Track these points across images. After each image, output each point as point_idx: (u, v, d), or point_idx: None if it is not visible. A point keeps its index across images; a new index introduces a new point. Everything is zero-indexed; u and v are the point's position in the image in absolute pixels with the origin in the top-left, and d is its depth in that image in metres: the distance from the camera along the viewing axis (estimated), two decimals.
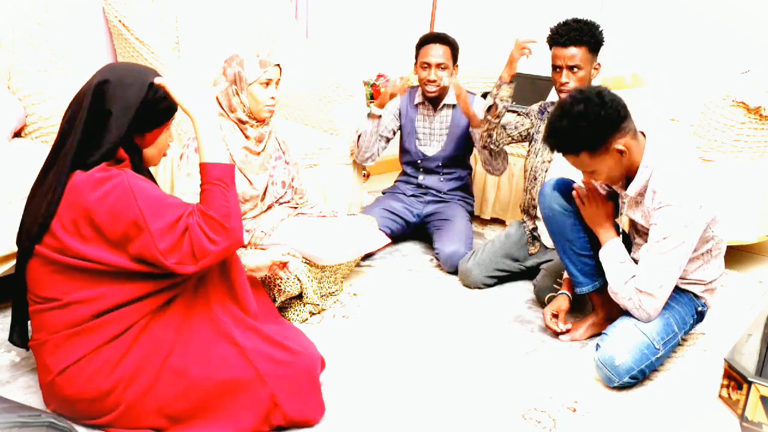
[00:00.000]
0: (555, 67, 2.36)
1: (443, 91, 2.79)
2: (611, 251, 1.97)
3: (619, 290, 1.92)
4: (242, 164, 2.18)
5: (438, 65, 2.72)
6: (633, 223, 2.09)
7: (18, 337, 1.63)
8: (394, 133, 2.95)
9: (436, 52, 2.72)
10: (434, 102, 2.84)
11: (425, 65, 2.74)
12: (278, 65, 2.15)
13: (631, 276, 1.91)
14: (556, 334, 2.16)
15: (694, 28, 3.48)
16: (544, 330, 2.23)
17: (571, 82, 2.33)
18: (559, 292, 2.24)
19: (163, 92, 1.50)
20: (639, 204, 1.94)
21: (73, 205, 1.43)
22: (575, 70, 2.32)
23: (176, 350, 1.51)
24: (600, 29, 2.34)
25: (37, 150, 2.24)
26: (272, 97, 2.15)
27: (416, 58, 2.80)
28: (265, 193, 2.25)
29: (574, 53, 2.30)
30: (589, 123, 1.77)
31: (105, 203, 1.41)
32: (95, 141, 1.45)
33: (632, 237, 2.13)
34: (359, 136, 2.82)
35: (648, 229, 1.97)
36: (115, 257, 1.44)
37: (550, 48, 2.37)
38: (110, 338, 1.48)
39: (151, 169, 1.68)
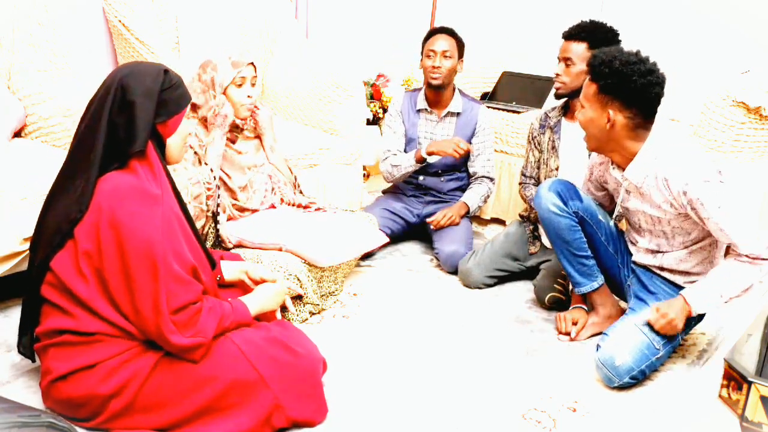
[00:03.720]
0: (557, 60, 2.39)
1: (447, 81, 2.74)
2: (702, 292, 1.90)
3: (747, 281, 1.84)
4: (227, 162, 2.25)
5: (443, 53, 2.71)
6: (632, 223, 2.08)
7: (26, 348, 1.62)
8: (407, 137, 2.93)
9: (443, 42, 2.73)
10: (438, 103, 2.82)
11: (431, 53, 2.73)
12: (252, 63, 2.18)
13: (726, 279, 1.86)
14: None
15: (694, 28, 3.48)
16: (543, 330, 2.23)
17: (562, 75, 2.35)
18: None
19: (175, 78, 1.55)
20: (644, 195, 1.93)
21: (100, 211, 1.43)
22: (569, 63, 2.33)
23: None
24: (608, 33, 2.32)
25: (37, 150, 2.24)
26: (248, 96, 2.20)
27: (422, 52, 2.79)
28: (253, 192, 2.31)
29: (570, 47, 2.32)
30: (623, 70, 1.79)
31: (134, 229, 1.42)
32: (126, 135, 1.46)
33: (632, 240, 2.12)
34: (394, 166, 2.80)
35: (654, 221, 1.96)
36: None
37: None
38: (120, 351, 1.49)
39: None
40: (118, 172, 1.47)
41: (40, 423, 1.15)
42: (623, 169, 1.95)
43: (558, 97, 2.43)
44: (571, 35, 2.33)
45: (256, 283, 1.79)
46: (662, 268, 2.04)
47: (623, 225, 2.24)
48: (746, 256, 1.82)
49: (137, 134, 1.46)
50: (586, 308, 2.22)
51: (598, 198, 2.18)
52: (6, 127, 2.25)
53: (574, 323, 2.17)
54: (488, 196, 2.89)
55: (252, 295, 1.71)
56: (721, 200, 1.78)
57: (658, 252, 2.03)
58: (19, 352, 1.64)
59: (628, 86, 1.80)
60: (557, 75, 2.37)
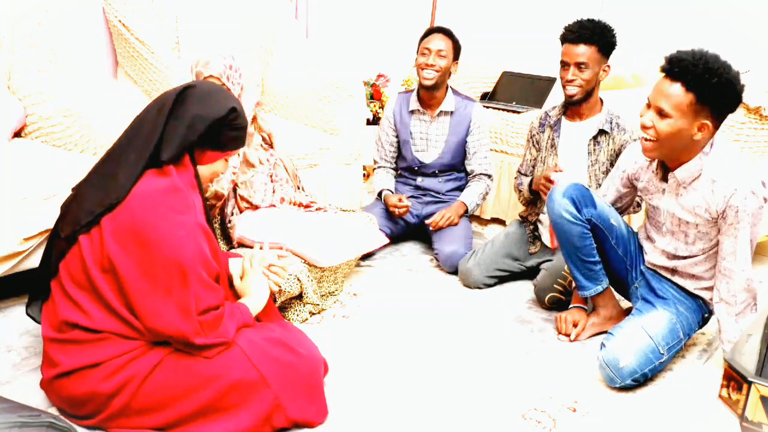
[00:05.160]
0: (563, 64, 2.35)
1: (440, 81, 2.74)
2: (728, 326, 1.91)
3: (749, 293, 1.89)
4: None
5: (438, 52, 2.71)
6: (654, 222, 2.05)
7: (34, 312, 1.64)
8: (398, 144, 2.94)
9: (438, 41, 2.72)
10: (430, 103, 2.82)
11: (425, 51, 2.73)
12: (213, 76, 2.09)
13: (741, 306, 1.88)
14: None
15: (694, 28, 3.48)
16: (543, 330, 2.23)
17: (577, 79, 2.31)
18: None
19: (240, 122, 1.56)
20: (680, 195, 1.90)
21: (133, 215, 1.43)
22: (582, 67, 2.30)
23: (181, 350, 1.51)
24: (613, 32, 2.31)
25: (37, 150, 2.24)
26: None
27: (417, 51, 2.78)
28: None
29: (583, 51, 2.29)
30: (728, 79, 1.70)
31: (166, 236, 1.43)
32: (167, 139, 1.49)
33: (650, 238, 2.09)
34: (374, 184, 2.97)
35: (681, 223, 1.94)
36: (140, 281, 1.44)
37: (562, 44, 2.35)
38: (127, 351, 1.49)
39: None
40: (156, 175, 1.48)
41: (40, 423, 1.16)
42: (667, 171, 1.91)
43: (573, 103, 2.39)
44: (580, 38, 2.27)
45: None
46: (674, 272, 2.03)
47: (632, 220, 2.22)
48: (747, 281, 1.86)
49: (169, 145, 1.49)
50: (586, 308, 2.22)
51: (621, 194, 2.15)
52: (6, 127, 2.25)
53: (575, 325, 2.17)
54: (487, 194, 2.89)
55: (246, 298, 1.71)
56: (755, 218, 1.79)
57: (674, 256, 2.00)
58: (27, 313, 1.66)
59: (732, 97, 1.73)
60: (569, 81, 2.32)
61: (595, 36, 2.29)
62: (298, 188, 2.49)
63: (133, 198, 1.44)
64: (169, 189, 1.47)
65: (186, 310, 1.44)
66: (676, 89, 1.73)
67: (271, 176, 2.37)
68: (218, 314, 1.51)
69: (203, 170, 1.61)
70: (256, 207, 2.33)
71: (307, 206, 2.42)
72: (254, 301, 1.69)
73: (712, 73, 1.69)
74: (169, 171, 1.49)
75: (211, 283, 1.50)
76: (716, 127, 1.78)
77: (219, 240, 2.25)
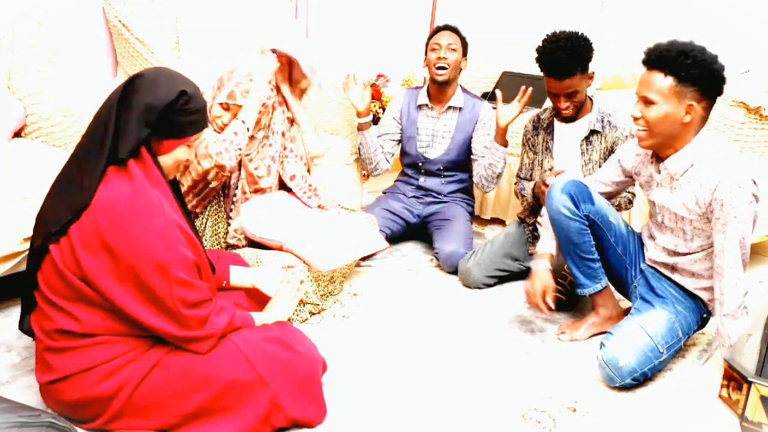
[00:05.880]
0: (552, 94, 2.34)
1: (452, 77, 2.75)
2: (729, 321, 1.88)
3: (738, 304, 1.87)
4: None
5: (448, 46, 2.71)
6: (654, 219, 2.06)
7: (26, 326, 1.62)
8: (399, 140, 2.93)
9: (447, 36, 2.74)
10: (439, 98, 2.82)
11: (435, 46, 2.73)
12: (223, 103, 2.15)
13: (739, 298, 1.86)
14: (547, 310, 2.14)
15: (694, 28, 3.48)
16: (543, 330, 2.23)
17: (570, 105, 2.33)
18: (540, 265, 2.19)
19: (192, 106, 1.49)
20: (674, 189, 1.91)
21: (97, 220, 1.41)
22: (573, 94, 2.31)
23: (179, 350, 1.51)
24: (589, 45, 2.28)
25: (37, 150, 2.24)
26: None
27: (426, 50, 2.79)
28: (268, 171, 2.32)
29: (570, 83, 2.27)
30: (702, 58, 1.75)
31: (134, 237, 1.40)
32: (121, 134, 1.44)
33: (651, 235, 2.09)
34: (360, 150, 2.86)
35: (677, 219, 1.94)
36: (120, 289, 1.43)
37: (541, 71, 2.31)
38: (124, 353, 1.49)
39: None
40: (118, 174, 1.44)
41: (40, 423, 1.15)
42: (661, 161, 1.92)
43: (567, 121, 2.42)
44: (565, 75, 2.24)
45: (261, 295, 1.82)
46: (674, 269, 2.03)
47: (632, 222, 2.21)
48: (738, 278, 1.84)
49: (125, 140, 1.43)
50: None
51: (619, 185, 2.14)
52: (6, 127, 2.25)
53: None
54: (504, 168, 2.80)
55: (262, 313, 1.72)
56: (742, 214, 1.77)
57: (675, 253, 2.01)
58: (20, 328, 1.63)
59: (710, 74, 1.77)
60: (564, 109, 2.33)
61: (578, 65, 2.25)
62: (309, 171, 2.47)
63: (98, 206, 1.40)
64: (132, 193, 1.42)
65: (168, 311, 1.43)
66: (657, 76, 1.81)
67: (284, 146, 2.34)
68: (206, 311, 1.49)
69: (165, 160, 1.52)
70: (263, 190, 2.31)
71: (314, 191, 2.41)
72: (267, 318, 1.69)
73: (686, 54, 1.77)
74: (130, 167, 1.43)
75: (190, 281, 1.46)
76: (705, 109, 1.82)
77: (224, 220, 2.27)
